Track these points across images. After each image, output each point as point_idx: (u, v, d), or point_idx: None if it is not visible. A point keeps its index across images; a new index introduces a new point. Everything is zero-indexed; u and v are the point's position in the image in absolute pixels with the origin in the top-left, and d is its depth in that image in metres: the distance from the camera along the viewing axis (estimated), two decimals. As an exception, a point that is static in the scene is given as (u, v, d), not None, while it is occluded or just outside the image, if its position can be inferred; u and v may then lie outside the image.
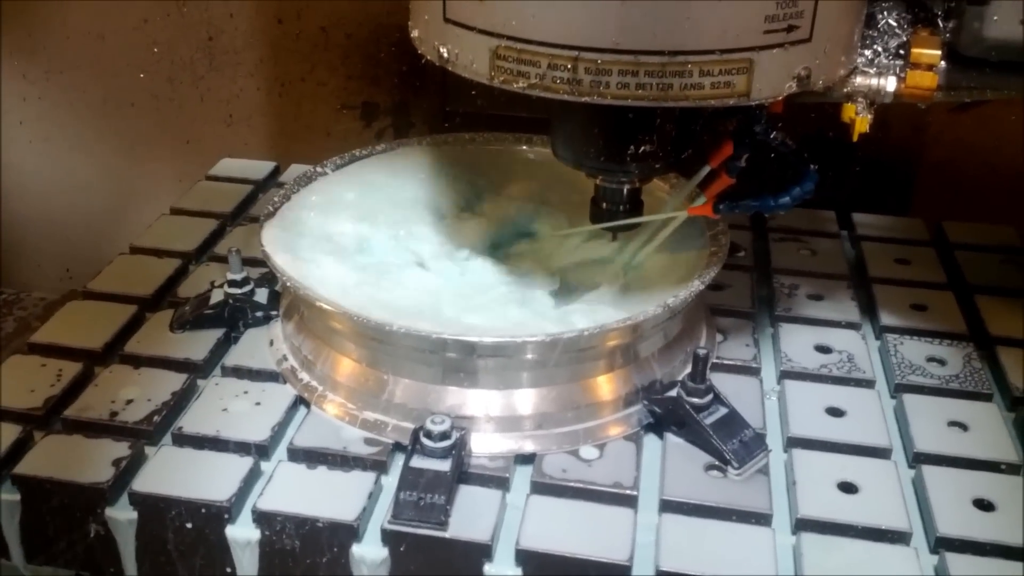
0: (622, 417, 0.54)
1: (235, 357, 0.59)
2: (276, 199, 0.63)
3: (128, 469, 0.51)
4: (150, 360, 0.59)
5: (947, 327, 0.63)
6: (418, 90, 0.96)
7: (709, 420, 0.52)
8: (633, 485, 0.49)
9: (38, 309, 1.09)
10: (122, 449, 0.52)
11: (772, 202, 0.53)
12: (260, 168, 0.83)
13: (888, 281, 0.68)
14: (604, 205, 0.57)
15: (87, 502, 0.50)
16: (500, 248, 0.64)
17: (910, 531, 0.48)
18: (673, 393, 0.53)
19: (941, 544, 0.47)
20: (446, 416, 0.50)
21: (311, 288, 0.54)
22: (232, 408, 0.55)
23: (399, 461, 0.51)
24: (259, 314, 0.61)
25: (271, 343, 0.59)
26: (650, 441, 0.54)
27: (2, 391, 0.55)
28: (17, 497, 0.51)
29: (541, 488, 0.50)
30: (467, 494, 0.49)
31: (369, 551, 0.48)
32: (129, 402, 0.55)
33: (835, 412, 0.55)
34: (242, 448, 0.52)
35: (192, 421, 0.54)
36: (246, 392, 0.56)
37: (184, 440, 0.53)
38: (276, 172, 0.83)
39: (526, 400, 0.53)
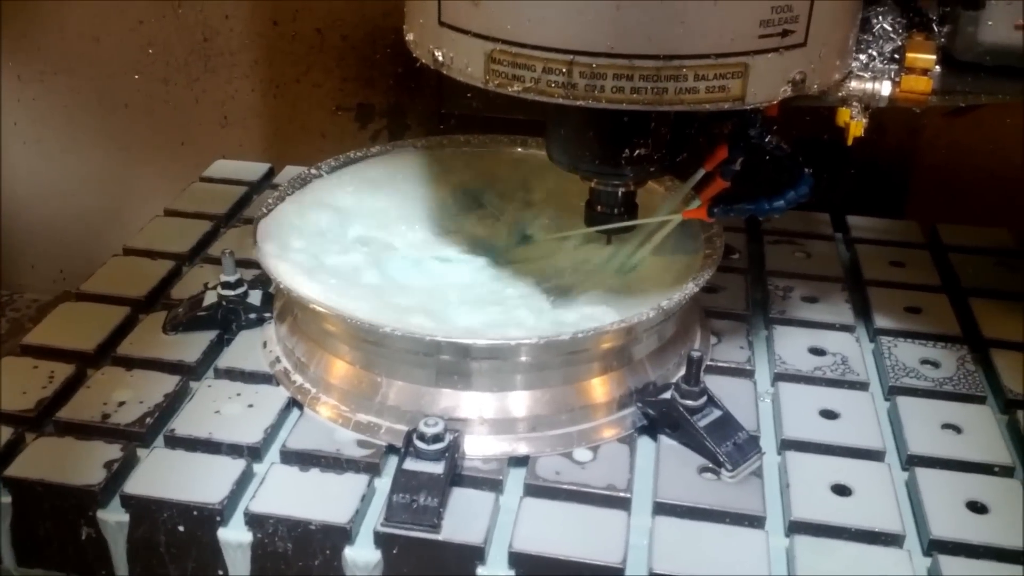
0: (616, 419, 0.54)
1: (228, 359, 0.59)
2: (270, 201, 0.63)
3: (120, 471, 0.51)
4: (143, 362, 0.58)
5: (941, 329, 0.63)
6: (413, 92, 0.96)
7: (703, 422, 0.52)
8: (627, 487, 0.49)
9: (31, 310, 1.09)
10: (114, 451, 0.52)
11: (767, 205, 0.53)
12: (254, 170, 0.83)
13: (882, 283, 0.68)
14: (599, 208, 0.57)
15: (79, 504, 0.50)
16: (495, 250, 0.64)
17: (903, 533, 0.48)
18: (667, 395, 0.53)
19: (934, 547, 0.47)
20: (439, 418, 0.50)
21: (304, 290, 0.54)
22: (225, 410, 0.54)
23: (392, 463, 0.51)
24: (252, 316, 0.61)
25: (264, 345, 0.59)
26: (644, 443, 0.54)
27: (-6, 393, 0.55)
28: (8, 500, 0.50)
29: (534, 490, 0.50)
30: (460, 496, 0.49)
31: (362, 554, 0.48)
32: (121, 404, 0.55)
33: (829, 414, 0.55)
34: (235, 450, 0.52)
35: (184, 423, 0.53)
36: (239, 394, 0.56)
37: (176, 442, 0.53)
38: (270, 174, 0.83)
39: (520, 402, 0.53)
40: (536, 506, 0.49)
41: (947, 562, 0.46)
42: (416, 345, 0.51)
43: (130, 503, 0.49)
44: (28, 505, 0.50)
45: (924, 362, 0.60)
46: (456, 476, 0.50)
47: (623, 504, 0.49)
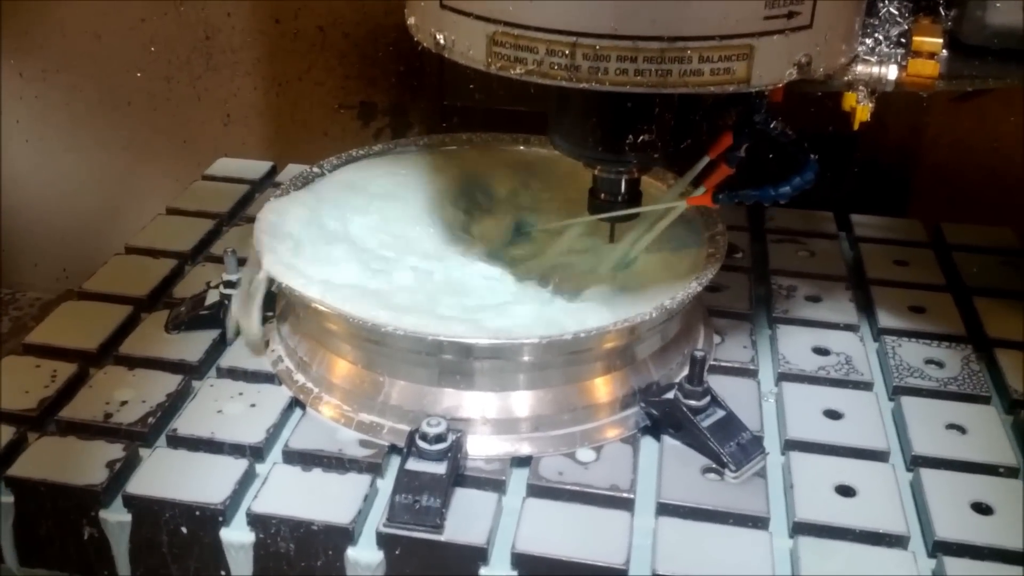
0: (619, 419, 0.54)
1: (230, 358, 0.58)
2: (272, 199, 0.62)
3: (122, 471, 0.51)
4: (145, 361, 0.58)
5: (945, 329, 0.63)
6: (416, 90, 0.96)
7: (706, 423, 0.52)
8: (630, 488, 0.49)
9: (34, 309, 1.09)
10: (116, 451, 0.52)
11: (772, 191, 0.52)
12: (257, 168, 0.83)
13: (886, 283, 0.68)
14: (602, 196, 0.56)
15: (81, 504, 0.49)
16: (498, 247, 0.64)
17: (908, 535, 0.47)
18: (670, 395, 0.53)
19: (939, 548, 0.47)
20: (442, 418, 0.49)
21: (306, 289, 0.53)
22: (227, 410, 0.54)
23: (395, 463, 0.50)
24: (255, 315, 0.61)
25: (267, 344, 0.59)
26: (647, 443, 0.53)
27: (-3, 392, 0.55)
28: (10, 499, 0.50)
29: (537, 491, 0.49)
30: (463, 497, 0.49)
31: (364, 554, 0.47)
32: (124, 403, 0.55)
33: (833, 415, 0.55)
34: (237, 450, 0.52)
35: (187, 423, 0.53)
36: (241, 394, 0.56)
37: (179, 442, 0.52)
38: (273, 172, 0.83)
39: (522, 402, 0.52)
40: (539, 507, 0.49)
41: (952, 564, 0.46)
42: (418, 344, 0.51)
43: (132, 503, 0.49)
44: (30, 505, 0.50)
45: (928, 362, 0.60)
46: (459, 476, 0.50)
47: (626, 505, 0.49)
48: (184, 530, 0.49)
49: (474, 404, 0.52)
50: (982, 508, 0.49)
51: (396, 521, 0.47)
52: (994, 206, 0.86)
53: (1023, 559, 0.46)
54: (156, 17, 0.98)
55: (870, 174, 0.89)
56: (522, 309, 0.56)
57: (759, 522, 0.48)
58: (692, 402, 0.52)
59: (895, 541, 0.47)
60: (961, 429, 0.54)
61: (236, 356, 0.59)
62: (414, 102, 0.97)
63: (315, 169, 0.66)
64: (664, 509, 0.49)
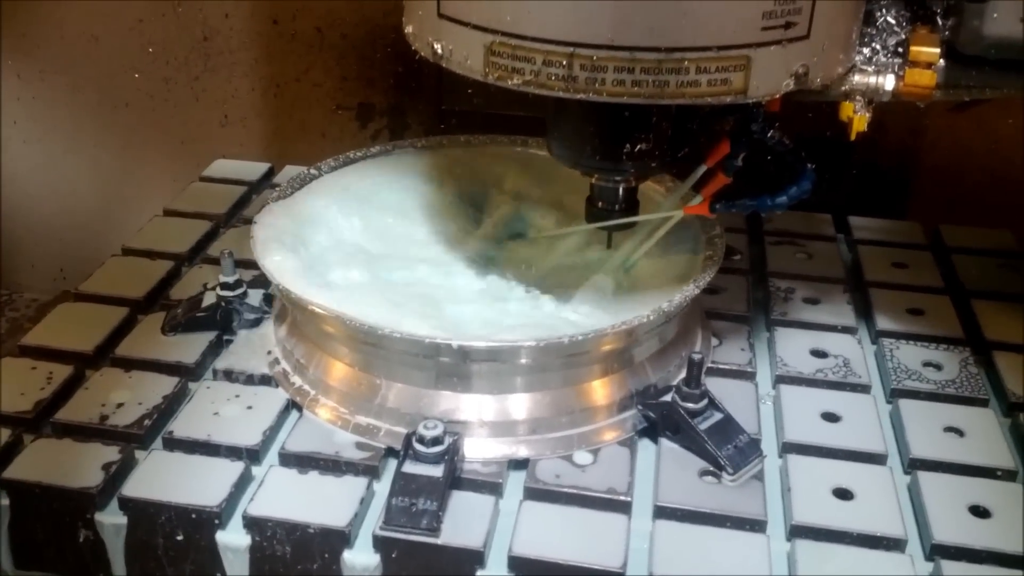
0: (616, 422, 0.53)
1: (227, 360, 0.58)
2: (269, 201, 0.62)
3: (118, 474, 0.50)
4: (141, 363, 0.58)
5: (943, 332, 0.63)
6: (414, 91, 0.96)
7: (704, 425, 0.51)
8: (627, 491, 0.49)
9: (30, 310, 1.09)
10: (112, 453, 0.51)
11: (769, 201, 0.52)
12: (254, 169, 0.82)
13: (884, 285, 0.67)
14: (600, 204, 0.56)
15: (76, 507, 0.49)
16: (495, 249, 0.64)
17: (905, 538, 0.47)
18: (668, 398, 0.53)
19: (937, 551, 0.47)
20: (439, 421, 0.49)
21: (302, 291, 0.53)
22: (223, 412, 0.54)
23: (391, 466, 0.50)
24: (252, 317, 0.61)
25: (263, 346, 0.59)
26: (644, 446, 0.53)
27: (-8, 394, 0.55)
28: (6, 502, 0.50)
29: (534, 494, 0.49)
30: (460, 500, 0.49)
31: (361, 557, 0.47)
32: (120, 406, 0.55)
33: (831, 417, 0.55)
34: (233, 452, 0.52)
35: (183, 425, 0.53)
36: (238, 396, 0.56)
37: (175, 444, 0.52)
38: (270, 173, 0.83)
39: (520, 405, 0.52)
40: (536, 509, 0.48)
41: (949, 567, 0.46)
42: (415, 347, 0.51)
43: (128, 505, 0.49)
44: (26, 507, 0.50)
45: (926, 364, 0.60)
46: (455, 479, 0.49)
47: (623, 508, 0.49)
48: (180, 533, 0.49)
49: (471, 407, 0.52)
50: (980, 511, 0.49)
51: (393, 524, 0.47)
52: (993, 208, 0.86)
53: (1021, 562, 0.46)
54: (154, 18, 0.98)
55: (869, 176, 0.89)
56: (519, 312, 0.56)
57: (756, 525, 0.48)
58: (690, 405, 0.52)
59: (893, 544, 0.47)
60: (959, 432, 0.54)
61: (233, 358, 0.58)
62: (412, 103, 0.96)
63: (313, 171, 0.66)
64: (661, 512, 0.49)
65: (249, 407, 0.55)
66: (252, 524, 0.48)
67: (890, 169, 0.90)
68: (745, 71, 0.45)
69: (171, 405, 0.55)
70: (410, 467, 0.48)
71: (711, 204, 0.55)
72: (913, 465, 0.52)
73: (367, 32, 0.95)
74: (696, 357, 0.51)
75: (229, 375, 0.57)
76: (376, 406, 0.53)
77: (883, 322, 0.64)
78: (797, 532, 0.48)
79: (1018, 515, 0.48)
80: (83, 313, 0.63)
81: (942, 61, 0.50)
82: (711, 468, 0.51)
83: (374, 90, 0.97)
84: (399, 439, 0.50)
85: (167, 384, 0.56)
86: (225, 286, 0.60)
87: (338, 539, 0.47)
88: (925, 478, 0.51)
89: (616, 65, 0.44)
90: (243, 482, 0.50)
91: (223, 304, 0.60)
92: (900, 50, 0.50)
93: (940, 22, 0.50)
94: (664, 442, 0.53)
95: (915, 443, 0.53)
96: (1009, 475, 0.51)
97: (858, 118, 0.50)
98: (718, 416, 0.52)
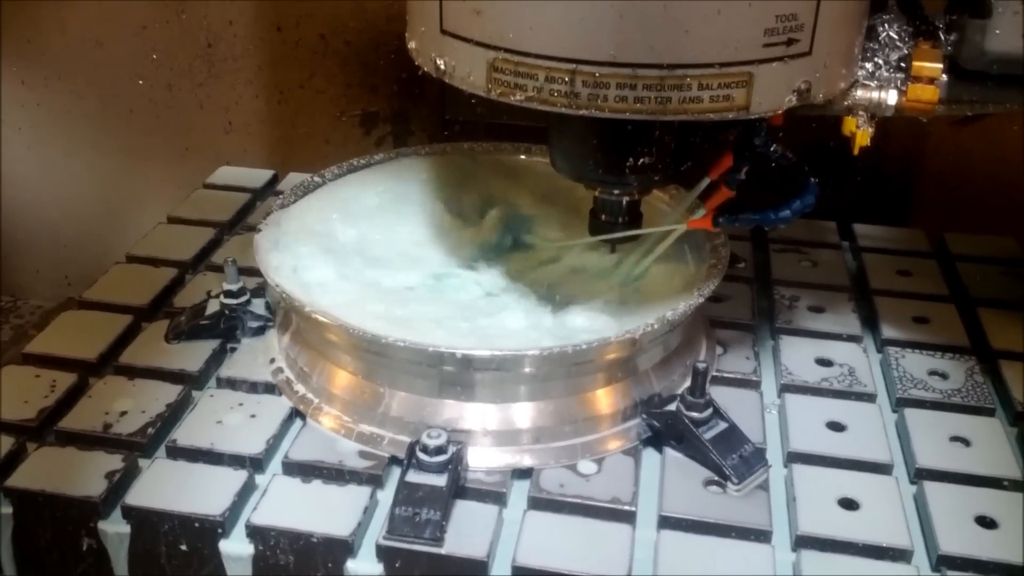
0: (620, 431, 0.53)
1: (230, 368, 0.58)
2: (273, 208, 0.62)
3: (121, 482, 0.50)
4: (145, 371, 0.58)
5: (949, 340, 0.62)
6: (417, 98, 0.96)
7: (708, 435, 0.51)
8: (631, 501, 0.49)
9: (35, 317, 1.09)
10: (115, 462, 0.51)
11: (772, 216, 0.52)
12: (258, 176, 0.83)
13: (889, 293, 0.67)
14: (603, 217, 0.56)
15: (79, 516, 0.49)
16: (498, 258, 0.64)
17: (911, 549, 0.47)
18: (672, 407, 0.53)
19: (943, 562, 0.47)
20: (442, 430, 0.49)
21: (305, 299, 0.53)
22: (227, 420, 0.54)
23: (395, 475, 0.50)
24: (255, 325, 0.61)
25: (267, 354, 0.59)
26: (649, 455, 0.53)
27: (-3, 402, 0.55)
28: (9, 510, 0.50)
29: (538, 503, 0.49)
30: (463, 509, 0.49)
31: (364, 567, 0.47)
32: (123, 414, 0.55)
33: (836, 426, 0.55)
34: (236, 461, 0.52)
35: (186, 433, 0.53)
36: (241, 404, 0.55)
37: (178, 453, 0.52)
38: (274, 180, 0.83)
39: (523, 414, 0.52)
40: (540, 519, 0.48)
41: (955, 578, 0.46)
42: (419, 356, 0.51)
43: (131, 514, 0.49)
44: (29, 516, 0.50)
45: (932, 373, 0.59)
46: (459, 488, 0.49)
47: (628, 518, 0.48)
48: (183, 542, 0.48)
49: (475, 416, 0.52)
50: (986, 522, 0.49)
51: (396, 534, 0.47)
52: (996, 214, 0.86)
53: (1028, 574, 0.46)
54: (158, 24, 0.98)
55: (872, 183, 0.89)
56: (523, 321, 0.56)
57: (761, 535, 0.48)
58: (694, 414, 0.52)
59: (898, 555, 0.47)
60: (965, 441, 0.54)
61: (236, 366, 0.58)
62: (416, 110, 0.96)
63: (316, 178, 0.66)
64: (666, 522, 0.48)
65: (252, 415, 0.55)
66: (255, 533, 0.48)
67: (893, 175, 0.90)
68: (747, 87, 0.45)
69: (174, 413, 0.55)
70: (413, 476, 0.48)
71: (714, 218, 0.55)
72: (919, 475, 0.52)
73: (371, 39, 0.95)
74: (700, 366, 0.51)
75: (232, 383, 0.57)
76: (379, 415, 0.53)
77: (888, 330, 0.63)
78: (802, 542, 0.48)
79: (1024, 526, 0.48)
80: (87, 321, 0.63)
81: (944, 76, 0.50)
82: (716, 478, 0.51)
83: (378, 97, 0.97)
84: (403, 448, 0.50)
85: (170, 392, 0.56)
86: (229, 294, 0.60)
87: (341, 548, 0.47)
88: (931, 488, 0.51)
89: (618, 82, 0.44)
90: (246, 491, 0.50)
91: (227, 312, 0.60)
92: (903, 65, 0.50)
93: (942, 37, 0.50)
94: (668, 451, 0.53)
95: (921, 453, 0.53)
96: (1016, 485, 0.51)
97: (861, 133, 0.50)
98: (723, 425, 0.52)
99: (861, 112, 0.50)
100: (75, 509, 0.49)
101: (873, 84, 0.50)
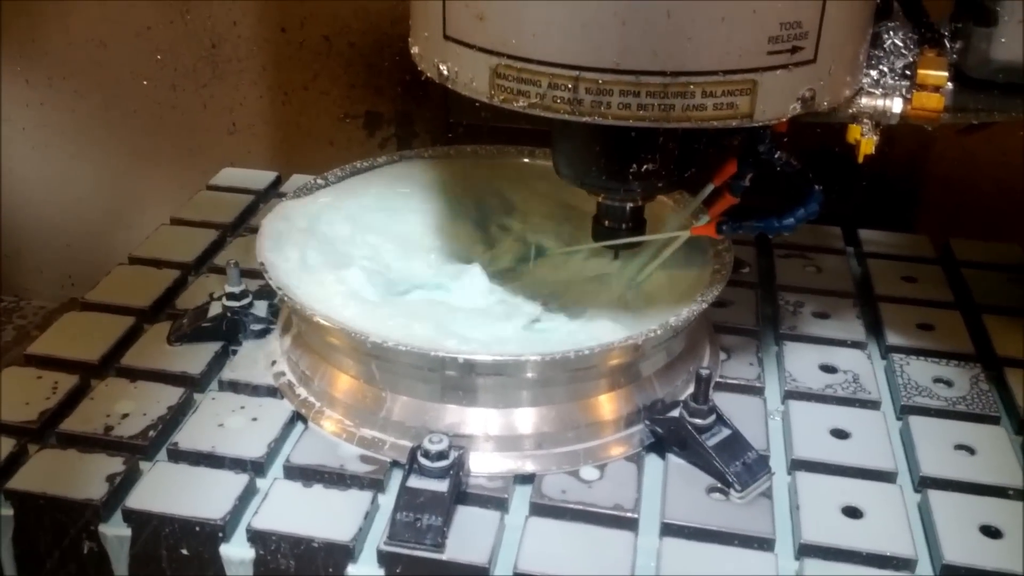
0: (623, 437, 0.53)
1: (232, 371, 0.58)
2: (275, 211, 0.62)
3: (122, 485, 0.50)
4: (146, 373, 0.58)
5: (954, 347, 0.62)
6: (421, 100, 0.96)
7: (711, 441, 0.51)
8: (634, 507, 0.49)
9: (37, 318, 1.09)
10: (116, 464, 0.51)
11: (776, 223, 0.52)
12: (261, 178, 0.82)
13: (894, 299, 0.67)
14: (606, 223, 0.56)
15: (80, 518, 0.49)
16: (502, 263, 0.63)
17: (915, 558, 0.47)
18: (675, 413, 0.52)
19: (947, 572, 0.47)
20: (444, 435, 0.49)
21: (308, 303, 0.53)
22: (228, 423, 0.54)
23: (396, 479, 0.50)
24: (257, 327, 0.61)
25: (269, 357, 0.59)
26: (651, 461, 0.53)
27: (-2, 403, 0.55)
28: (10, 512, 0.50)
29: (540, 509, 0.49)
30: (465, 515, 0.48)
31: (365, 572, 0.47)
32: (124, 416, 0.54)
33: (840, 434, 0.54)
34: (238, 465, 0.52)
35: (188, 436, 0.53)
36: (243, 407, 0.55)
37: (179, 456, 0.52)
38: (277, 182, 0.83)
39: (526, 419, 0.52)
40: (542, 525, 0.48)
41: (960, 587, 0.46)
42: (421, 360, 0.51)
43: (132, 517, 0.49)
44: (30, 518, 0.50)
45: (937, 380, 0.59)
46: (461, 494, 0.49)
47: (630, 524, 0.48)
48: (184, 545, 0.48)
49: (477, 421, 0.52)
50: (991, 531, 0.48)
51: (397, 539, 0.46)
52: (1001, 219, 0.85)
53: (1032, 584, 0.46)
54: (162, 25, 0.98)
55: (877, 188, 0.89)
56: (527, 326, 0.56)
57: (764, 543, 0.47)
58: (697, 420, 0.51)
59: (902, 564, 0.47)
60: (970, 450, 0.54)
61: (238, 369, 0.58)
62: (420, 112, 0.96)
63: (320, 180, 0.66)
64: (668, 529, 0.48)
65: (254, 419, 0.54)
66: (256, 537, 0.48)
67: (899, 180, 0.89)
68: (751, 95, 0.45)
69: (176, 416, 0.55)
70: (415, 482, 0.48)
71: (718, 225, 0.55)
72: (923, 483, 0.52)
73: (375, 40, 0.94)
74: (704, 372, 0.51)
75: (234, 386, 0.57)
76: (381, 419, 0.53)
77: (893, 337, 0.63)
78: (805, 551, 0.47)
79: (1029, 535, 0.48)
80: (89, 322, 0.63)
81: (950, 84, 0.49)
82: (719, 485, 0.50)
83: (382, 98, 0.97)
84: (404, 452, 0.50)
85: (172, 395, 0.56)
86: (231, 296, 0.60)
87: (342, 554, 0.47)
88: (935, 497, 0.50)
89: (621, 89, 0.44)
90: (247, 495, 0.50)
91: (229, 314, 0.60)
92: (908, 73, 0.50)
93: (948, 45, 0.50)
94: (671, 458, 0.52)
95: (925, 461, 0.53)
96: (1021, 494, 0.51)
97: (865, 141, 0.50)
98: (726, 432, 0.52)
99: (866, 120, 0.50)
100: (76, 512, 0.49)
101: (878, 92, 0.50)
